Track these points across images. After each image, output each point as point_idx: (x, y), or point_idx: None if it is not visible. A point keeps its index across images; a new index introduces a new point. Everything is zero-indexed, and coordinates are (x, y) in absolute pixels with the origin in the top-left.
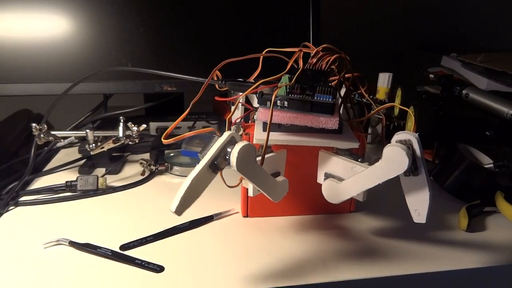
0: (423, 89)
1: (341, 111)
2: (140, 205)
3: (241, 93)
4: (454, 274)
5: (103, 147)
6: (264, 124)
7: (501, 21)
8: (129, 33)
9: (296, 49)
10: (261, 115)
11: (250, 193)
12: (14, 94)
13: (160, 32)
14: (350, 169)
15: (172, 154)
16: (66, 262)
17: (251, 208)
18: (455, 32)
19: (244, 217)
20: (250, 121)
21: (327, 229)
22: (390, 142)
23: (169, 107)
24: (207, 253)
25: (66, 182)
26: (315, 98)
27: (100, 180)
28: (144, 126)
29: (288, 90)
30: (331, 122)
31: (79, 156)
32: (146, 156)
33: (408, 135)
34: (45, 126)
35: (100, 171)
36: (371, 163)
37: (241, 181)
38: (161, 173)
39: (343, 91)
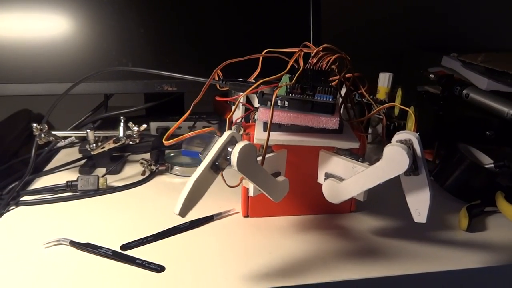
0: (424, 89)
1: (341, 111)
2: (140, 205)
3: (241, 93)
4: (454, 274)
5: (103, 147)
6: (265, 124)
7: (501, 21)
8: (129, 33)
9: (296, 49)
10: (262, 115)
11: (251, 193)
12: (14, 94)
13: (160, 32)
14: (350, 169)
15: (172, 154)
16: (66, 262)
17: (251, 208)
18: (455, 32)
19: (244, 217)
20: (250, 121)
21: (328, 229)
22: (390, 142)
23: (169, 107)
24: (207, 253)
25: (67, 182)
26: (316, 98)
27: (101, 180)
28: (144, 126)
29: (288, 90)
30: (331, 122)
31: (80, 156)
32: (147, 156)
33: (408, 135)
34: (46, 126)
35: (101, 171)
36: (371, 163)
37: (241, 181)
38: (161, 173)
39: (343, 91)
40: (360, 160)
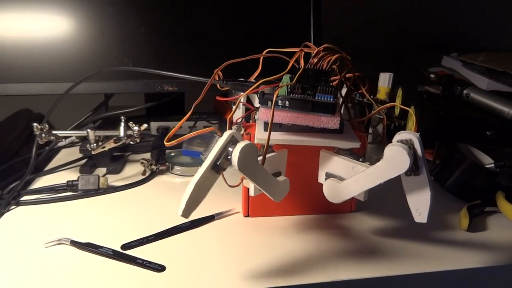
0: (424, 89)
1: (342, 111)
2: (141, 204)
3: (242, 93)
4: (455, 274)
5: (104, 147)
6: (265, 123)
7: (502, 21)
8: (130, 33)
9: (297, 49)
10: (262, 114)
11: (251, 193)
12: (14, 93)
13: (161, 32)
14: (351, 168)
15: (173, 154)
16: (67, 262)
17: (252, 208)
18: (455, 32)
19: (245, 216)
20: (251, 121)
21: (328, 228)
22: (391, 142)
23: (170, 107)
24: (208, 252)
25: (67, 181)
26: (316, 98)
27: (101, 179)
28: (145, 125)
29: (289, 90)
30: (332, 122)
31: (80, 155)
32: (147, 155)
33: (409, 134)
34: (47, 125)
35: (101, 170)
36: (372, 163)
37: (242, 180)
38: (162, 172)
39: (344, 91)
40: (360, 160)
